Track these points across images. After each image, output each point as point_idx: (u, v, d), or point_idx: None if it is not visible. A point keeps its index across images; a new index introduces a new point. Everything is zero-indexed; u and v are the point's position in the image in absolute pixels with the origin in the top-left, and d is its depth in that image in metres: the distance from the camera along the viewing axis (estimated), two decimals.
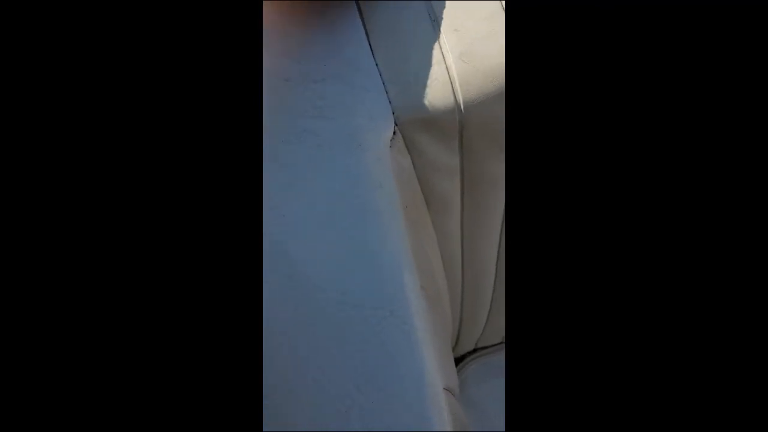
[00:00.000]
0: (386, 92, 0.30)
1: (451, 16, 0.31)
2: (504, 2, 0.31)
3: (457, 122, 0.31)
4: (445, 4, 0.31)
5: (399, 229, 0.30)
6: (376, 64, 0.30)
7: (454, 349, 0.59)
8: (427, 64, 0.30)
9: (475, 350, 0.62)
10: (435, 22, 0.31)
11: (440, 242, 0.41)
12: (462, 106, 0.31)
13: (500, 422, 0.55)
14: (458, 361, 0.62)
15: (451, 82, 0.30)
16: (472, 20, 0.31)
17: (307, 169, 0.27)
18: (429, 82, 0.30)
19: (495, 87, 0.30)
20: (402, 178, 0.32)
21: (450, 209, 0.39)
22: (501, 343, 0.62)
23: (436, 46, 0.30)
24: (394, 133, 0.31)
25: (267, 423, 0.24)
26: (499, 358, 0.62)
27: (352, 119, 0.29)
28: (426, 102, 0.30)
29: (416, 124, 0.31)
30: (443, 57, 0.30)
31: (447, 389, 0.28)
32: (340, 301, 0.26)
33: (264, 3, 0.28)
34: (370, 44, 0.30)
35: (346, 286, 0.26)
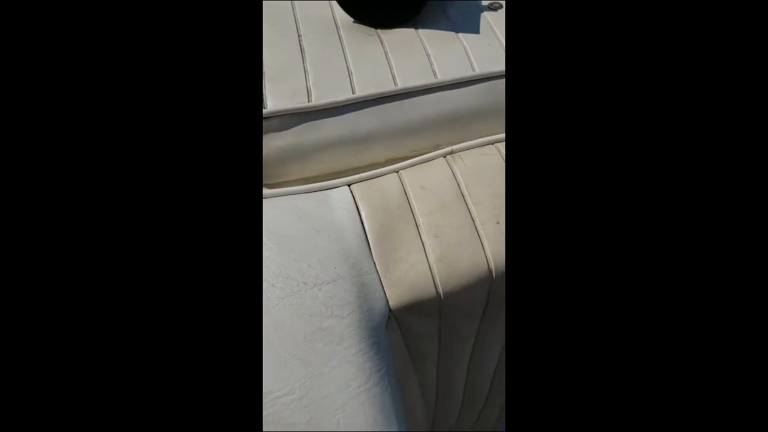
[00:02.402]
0: (383, 287, 0.37)
1: (432, 223, 0.39)
2: (473, 212, 0.40)
3: (437, 306, 0.39)
4: (427, 212, 0.39)
5: (394, 396, 0.37)
6: (374, 264, 0.38)
7: None
8: (415, 264, 0.38)
9: None
10: (419, 228, 0.39)
11: (421, 381, 0.48)
12: (441, 296, 0.38)
13: None
14: None
15: (433, 278, 0.38)
16: (448, 228, 0.39)
17: (323, 364, 0.34)
18: (416, 278, 0.38)
19: (468, 282, 0.38)
20: (393, 348, 0.39)
21: (429, 360, 0.46)
22: None
23: (420, 248, 0.38)
24: (389, 318, 0.38)
25: None
26: None
27: (357, 315, 0.36)
28: (413, 293, 0.38)
29: (405, 309, 0.38)
30: (426, 258, 0.38)
31: None
32: None
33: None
34: (370, 248, 0.38)
35: None
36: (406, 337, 0.41)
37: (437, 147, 0.46)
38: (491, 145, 0.43)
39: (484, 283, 0.39)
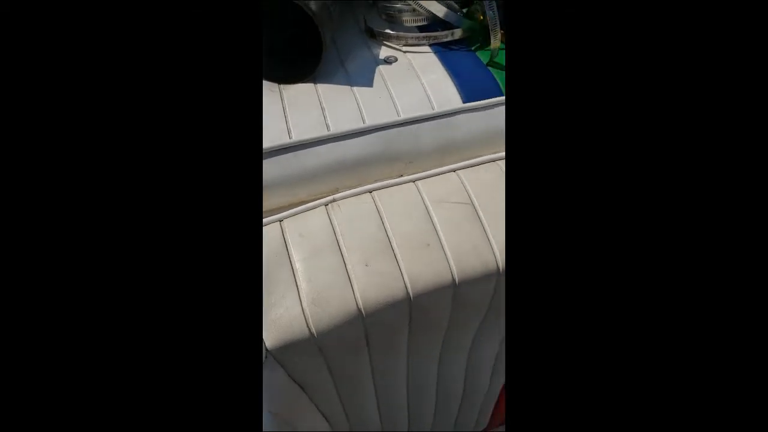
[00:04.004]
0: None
1: (306, 268, 0.43)
2: (345, 256, 0.44)
3: (315, 344, 0.43)
4: (302, 258, 0.43)
5: None
6: None
7: None
8: (289, 307, 0.42)
9: None
10: (295, 273, 0.43)
11: (325, 411, 0.52)
12: (315, 335, 0.42)
13: None
14: None
15: (306, 320, 0.42)
16: (320, 273, 0.43)
17: None
18: (290, 320, 0.41)
19: (339, 321, 0.42)
20: (273, 384, 0.43)
21: (327, 392, 0.50)
22: None
23: (295, 292, 0.42)
24: (266, 357, 0.41)
25: None
26: None
27: None
28: (288, 334, 0.41)
29: (283, 349, 0.42)
30: (300, 301, 0.42)
31: None
32: None
33: None
34: None
35: None
36: (293, 373, 0.45)
37: (336, 191, 0.50)
38: (368, 194, 0.47)
39: (355, 320, 0.42)
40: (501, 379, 0.67)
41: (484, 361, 0.62)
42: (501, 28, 0.57)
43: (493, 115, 0.54)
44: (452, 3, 0.61)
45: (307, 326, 0.41)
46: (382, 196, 0.47)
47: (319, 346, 0.43)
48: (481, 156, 0.52)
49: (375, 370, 0.52)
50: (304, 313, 0.42)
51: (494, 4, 0.55)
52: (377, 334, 0.46)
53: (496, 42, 0.56)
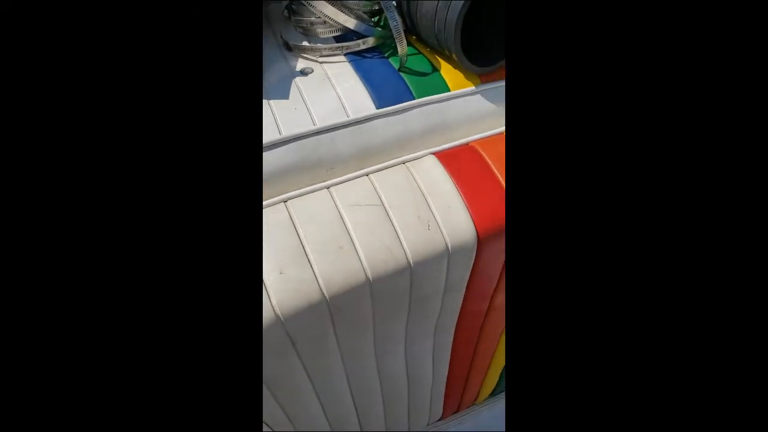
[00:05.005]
0: None
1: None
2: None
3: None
4: None
5: None
6: None
7: None
8: None
9: None
10: None
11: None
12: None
13: None
14: None
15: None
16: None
17: None
18: None
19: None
20: None
21: (265, 400, 0.51)
22: None
23: None
24: None
25: None
26: None
27: None
28: None
29: None
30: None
31: None
32: None
33: None
34: None
35: None
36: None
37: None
38: (281, 204, 0.49)
39: (274, 326, 0.44)
40: (443, 367, 0.70)
41: (423, 352, 0.64)
42: (411, 33, 0.60)
43: (406, 119, 0.57)
44: (362, 14, 0.64)
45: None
46: (295, 204, 0.49)
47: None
48: (399, 158, 0.55)
49: (309, 371, 0.54)
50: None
51: (394, 13, 0.58)
52: (301, 337, 0.48)
53: (403, 49, 0.59)
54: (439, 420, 0.85)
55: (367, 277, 0.46)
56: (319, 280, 0.45)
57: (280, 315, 0.44)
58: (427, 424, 0.84)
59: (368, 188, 0.51)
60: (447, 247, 0.48)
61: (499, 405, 0.91)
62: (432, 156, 0.54)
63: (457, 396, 0.80)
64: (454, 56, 0.59)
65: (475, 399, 0.85)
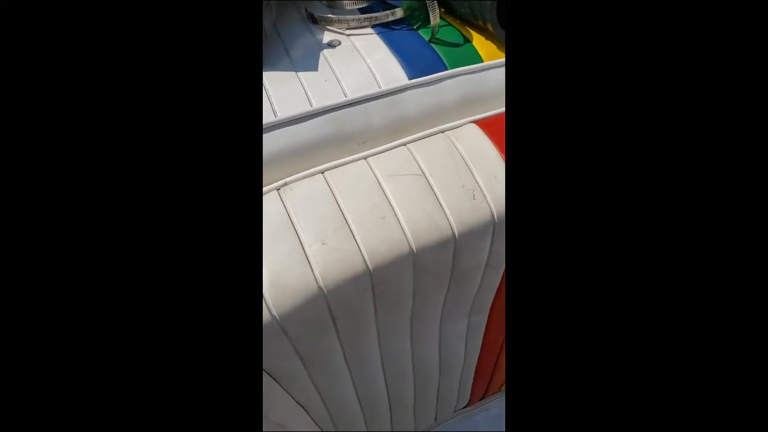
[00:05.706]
0: None
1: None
2: (301, 237, 0.43)
3: (278, 328, 0.42)
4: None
5: None
6: None
7: None
8: None
9: None
10: None
11: (302, 400, 0.51)
12: (278, 318, 0.42)
13: None
14: None
15: (266, 304, 0.41)
16: (278, 256, 0.42)
17: None
18: None
19: (300, 302, 0.42)
20: None
21: (301, 379, 0.49)
22: None
23: None
24: None
25: None
26: None
27: None
28: None
29: None
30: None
31: None
32: None
33: None
34: None
35: None
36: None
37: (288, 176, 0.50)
38: (319, 175, 0.47)
39: (316, 299, 0.42)
40: (475, 351, 0.68)
41: (456, 333, 0.62)
42: (439, 5, 0.58)
43: (440, 90, 0.55)
44: None
45: (268, 310, 0.41)
46: (334, 175, 0.47)
47: (283, 329, 0.43)
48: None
49: (346, 352, 0.52)
50: (263, 297, 0.41)
51: None
52: (342, 313, 0.46)
53: (435, 19, 0.57)
54: (466, 406, 0.83)
55: (410, 247, 0.44)
56: (363, 250, 0.43)
57: (323, 287, 0.42)
58: (455, 411, 0.82)
59: (407, 158, 0.49)
60: (493, 217, 0.46)
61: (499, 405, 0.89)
62: (473, 124, 0.52)
63: (485, 381, 0.78)
64: (489, 26, 0.57)
65: (503, 384, 0.83)
